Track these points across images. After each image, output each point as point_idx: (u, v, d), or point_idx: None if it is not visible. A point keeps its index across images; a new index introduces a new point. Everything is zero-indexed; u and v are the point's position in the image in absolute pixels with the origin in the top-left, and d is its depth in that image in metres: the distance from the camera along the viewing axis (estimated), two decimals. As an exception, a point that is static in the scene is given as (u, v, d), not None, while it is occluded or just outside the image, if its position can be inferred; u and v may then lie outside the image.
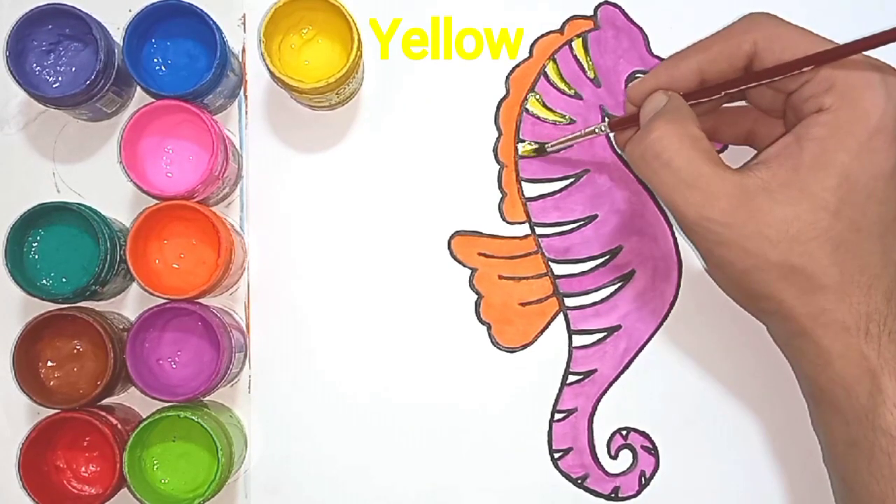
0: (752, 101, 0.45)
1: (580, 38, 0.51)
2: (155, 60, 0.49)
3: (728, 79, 0.42)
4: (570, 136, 0.48)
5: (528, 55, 0.51)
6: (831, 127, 0.39)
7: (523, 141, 0.49)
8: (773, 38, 0.41)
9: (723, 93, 0.42)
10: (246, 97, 0.51)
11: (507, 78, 0.51)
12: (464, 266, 0.51)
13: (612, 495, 0.50)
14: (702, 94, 0.42)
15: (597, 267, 0.50)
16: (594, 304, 0.50)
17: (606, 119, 0.45)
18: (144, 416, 0.47)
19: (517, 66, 0.51)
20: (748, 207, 0.39)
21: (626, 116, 0.45)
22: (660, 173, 0.40)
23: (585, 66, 0.51)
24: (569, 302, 0.50)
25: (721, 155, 0.42)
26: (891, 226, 0.39)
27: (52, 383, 0.47)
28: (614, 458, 0.50)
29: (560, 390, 0.50)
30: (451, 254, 0.51)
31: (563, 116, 0.51)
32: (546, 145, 0.49)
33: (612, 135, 0.49)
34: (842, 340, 0.39)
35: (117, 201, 0.50)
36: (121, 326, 0.48)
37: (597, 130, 0.45)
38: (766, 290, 0.39)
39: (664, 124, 0.40)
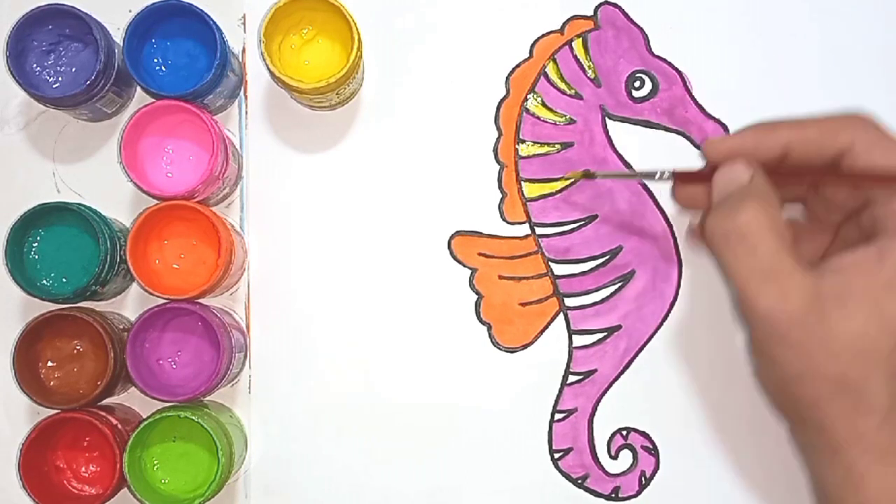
0: (824, 194, 0.43)
1: (580, 38, 0.51)
2: (155, 60, 0.49)
3: (813, 165, 0.41)
4: (625, 173, 0.48)
5: (528, 55, 0.51)
6: None
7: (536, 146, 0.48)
8: (874, 142, 0.40)
9: (809, 181, 0.41)
10: (246, 97, 0.51)
11: (507, 78, 0.51)
12: (464, 266, 0.51)
13: (613, 495, 0.50)
14: (788, 173, 0.41)
15: (597, 267, 0.50)
16: (594, 304, 0.50)
17: (671, 171, 0.43)
18: (144, 416, 0.47)
19: (517, 66, 0.51)
20: (818, 313, 0.38)
21: (696, 172, 0.43)
22: (741, 258, 0.39)
23: (586, 66, 0.51)
24: (569, 302, 0.50)
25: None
26: None
27: (52, 383, 0.47)
28: (614, 458, 0.50)
29: (560, 390, 0.50)
30: (451, 254, 0.51)
31: (564, 116, 0.51)
32: (596, 174, 0.47)
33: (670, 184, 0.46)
34: (878, 468, 0.38)
35: (117, 201, 0.50)
36: (121, 326, 0.48)
37: (657, 176, 0.43)
38: (813, 398, 0.39)
39: (755, 208, 0.39)
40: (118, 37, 0.48)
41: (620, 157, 0.51)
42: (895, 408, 0.38)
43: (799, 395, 0.39)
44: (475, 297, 0.50)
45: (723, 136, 0.42)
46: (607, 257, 0.50)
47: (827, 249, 0.44)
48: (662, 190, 0.50)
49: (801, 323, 0.38)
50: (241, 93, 0.51)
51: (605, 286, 0.50)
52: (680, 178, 0.44)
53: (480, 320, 0.50)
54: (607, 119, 0.51)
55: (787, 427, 0.42)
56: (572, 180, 0.50)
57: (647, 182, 0.47)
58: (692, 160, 0.51)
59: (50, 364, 0.47)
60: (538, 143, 0.51)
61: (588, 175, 0.46)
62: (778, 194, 0.40)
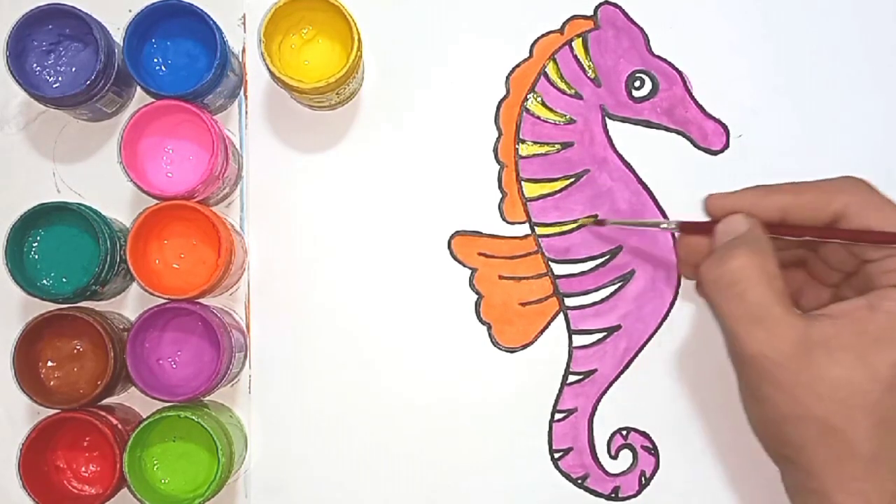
0: (820, 255, 0.45)
1: (580, 38, 0.51)
2: (155, 60, 0.49)
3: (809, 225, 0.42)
4: (634, 221, 0.49)
5: (528, 55, 0.51)
6: None
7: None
8: (867, 205, 0.41)
9: (804, 237, 0.42)
10: (246, 97, 0.51)
11: (507, 78, 0.51)
12: (464, 266, 0.51)
13: (613, 495, 0.50)
14: (784, 230, 0.42)
15: (597, 267, 0.50)
16: (594, 304, 0.50)
17: (676, 222, 0.45)
18: (144, 416, 0.47)
19: (517, 66, 0.51)
20: (807, 358, 0.39)
21: (699, 223, 0.45)
22: (731, 302, 0.40)
23: (586, 65, 0.51)
24: (569, 302, 0.50)
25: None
26: None
27: (52, 383, 0.47)
28: (614, 458, 0.50)
29: (560, 390, 0.50)
30: (451, 254, 0.51)
31: (564, 116, 0.51)
32: (606, 221, 0.49)
33: (676, 234, 0.48)
34: None
35: (117, 201, 0.50)
36: (121, 326, 0.48)
37: (663, 226, 0.45)
38: (800, 440, 0.39)
39: (747, 255, 0.41)
40: (118, 37, 0.48)
41: (620, 156, 0.51)
42: (880, 454, 0.38)
43: (786, 438, 0.40)
44: (475, 297, 0.50)
45: (724, 193, 0.44)
46: (607, 257, 0.50)
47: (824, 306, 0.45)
48: (662, 190, 0.51)
49: (789, 366, 0.39)
50: (241, 93, 0.51)
51: (604, 286, 0.50)
52: (684, 229, 0.45)
53: (480, 320, 0.50)
54: (607, 119, 0.51)
55: (781, 474, 0.43)
56: (573, 181, 0.50)
57: (653, 228, 0.49)
58: (692, 160, 0.51)
59: (50, 364, 0.47)
60: (538, 142, 0.51)
61: (599, 223, 0.49)
62: (774, 247, 0.41)
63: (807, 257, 0.46)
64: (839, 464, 0.39)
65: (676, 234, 0.47)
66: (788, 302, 0.40)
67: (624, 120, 0.51)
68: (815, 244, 0.45)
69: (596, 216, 0.50)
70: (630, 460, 0.50)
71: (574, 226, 0.50)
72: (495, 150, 0.51)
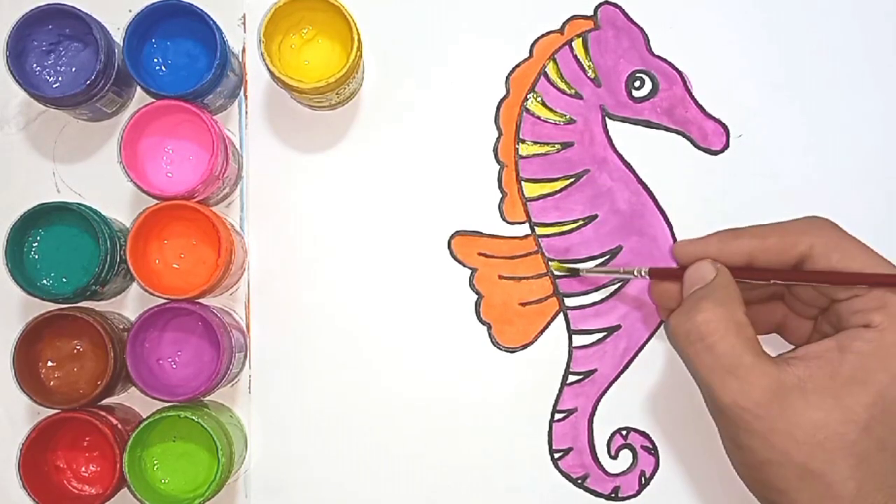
0: (793, 294, 0.45)
1: (580, 38, 0.51)
2: (155, 60, 0.49)
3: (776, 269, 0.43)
4: (607, 269, 0.50)
5: (528, 55, 0.51)
6: (876, 345, 0.39)
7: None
8: (831, 246, 0.41)
9: (770, 281, 0.43)
10: (246, 97, 0.51)
11: (507, 78, 0.51)
12: (464, 266, 0.51)
13: (612, 495, 0.50)
14: (750, 275, 0.43)
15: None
16: (594, 304, 0.50)
17: (647, 269, 0.46)
18: (144, 416, 0.47)
19: (517, 65, 0.51)
20: (781, 403, 0.39)
21: (668, 269, 0.45)
22: (701, 355, 0.41)
23: (585, 65, 0.51)
24: (569, 302, 0.50)
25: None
26: None
27: (52, 383, 0.47)
28: (614, 458, 0.50)
29: (560, 390, 0.50)
30: (451, 254, 0.51)
31: (564, 116, 0.51)
32: (581, 270, 0.49)
33: (648, 280, 0.48)
34: None
35: (117, 201, 0.50)
36: (121, 326, 0.48)
37: (635, 273, 0.46)
38: (782, 485, 0.40)
39: (713, 307, 0.41)
40: (118, 37, 0.48)
41: (620, 156, 0.51)
42: (861, 494, 0.39)
43: (769, 483, 0.40)
44: (475, 297, 0.50)
45: (690, 240, 0.45)
46: (607, 257, 0.50)
47: (807, 340, 0.46)
48: (662, 190, 0.51)
49: (764, 414, 0.39)
50: (241, 93, 0.51)
51: (604, 286, 0.50)
52: (654, 275, 0.46)
53: (480, 320, 0.50)
54: (607, 119, 0.51)
55: None
56: (573, 181, 0.50)
57: (626, 277, 0.49)
58: (692, 160, 0.51)
59: (50, 364, 0.47)
60: (538, 142, 0.51)
61: (573, 272, 0.49)
62: (739, 294, 0.42)
63: (783, 292, 0.46)
64: None
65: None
66: (759, 349, 0.40)
67: (624, 120, 0.51)
68: (786, 287, 0.45)
69: (569, 268, 0.50)
70: (630, 460, 0.50)
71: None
72: (495, 150, 0.51)
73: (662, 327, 0.50)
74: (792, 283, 0.43)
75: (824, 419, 0.39)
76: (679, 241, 0.45)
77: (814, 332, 0.45)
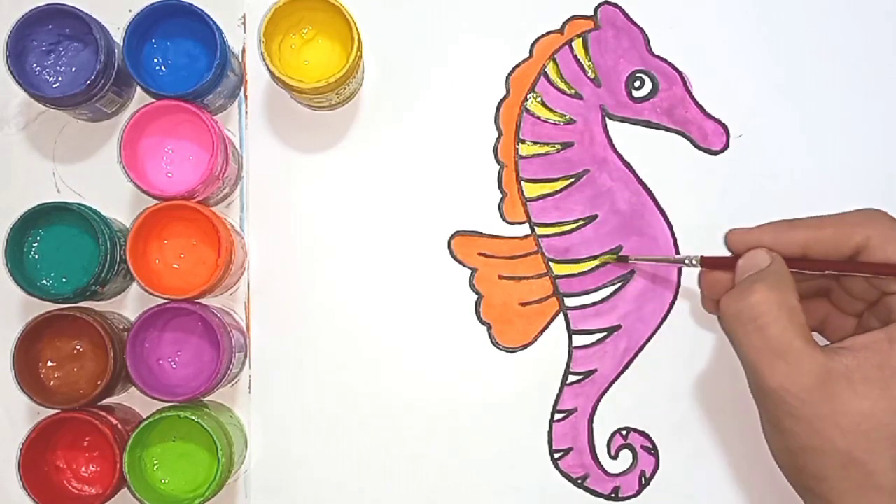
0: (843, 287, 0.45)
1: (580, 38, 0.51)
2: (155, 60, 0.49)
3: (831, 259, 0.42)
4: (658, 258, 0.50)
5: (528, 55, 0.51)
6: None
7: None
8: (888, 238, 0.41)
9: (826, 271, 0.42)
10: (246, 97, 0.51)
11: (507, 78, 0.51)
12: (464, 266, 0.51)
13: (612, 495, 0.50)
14: (805, 265, 0.43)
15: (597, 267, 0.50)
16: (594, 304, 0.50)
17: (699, 257, 0.45)
18: (144, 416, 0.47)
19: (517, 65, 0.51)
20: (828, 390, 0.39)
21: (721, 258, 0.45)
22: (752, 336, 0.40)
23: (585, 65, 0.51)
24: (569, 302, 0.50)
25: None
26: None
27: (52, 383, 0.47)
28: (614, 458, 0.50)
29: (560, 390, 0.50)
30: (451, 254, 0.51)
31: (564, 116, 0.51)
32: (630, 258, 0.50)
33: (699, 270, 0.47)
34: None
35: (117, 201, 0.50)
36: (121, 326, 0.48)
37: (686, 262, 0.46)
38: (823, 472, 0.40)
39: (767, 289, 0.41)
40: (118, 37, 0.48)
41: (620, 156, 0.51)
42: None
43: (808, 469, 0.40)
44: (475, 297, 0.50)
45: (745, 228, 0.44)
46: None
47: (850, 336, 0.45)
48: (662, 190, 0.51)
49: (810, 400, 0.39)
50: (241, 93, 0.51)
51: (604, 286, 0.50)
52: (707, 264, 0.45)
53: (480, 320, 0.50)
54: (607, 119, 0.51)
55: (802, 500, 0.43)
56: (573, 181, 0.50)
57: (677, 264, 0.50)
58: (692, 160, 0.51)
59: (50, 364, 0.47)
60: (538, 142, 0.51)
61: (622, 259, 0.50)
62: (793, 281, 0.41)
63: (830, 288, 0.46)
64: (861, 496, 0.39)
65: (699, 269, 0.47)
66: (809, 336, 0.40)
67: (624, 120, 0.51)
68: (838, 279, 0.45)
69: (617, 251, 0.50)
70: (630, 460, 0.50)
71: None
72: (495, 150, 0.51)
73: (664, 327, 0.50)
74: (847, 274, 0.43)
75: (870, 409, 0.39)
76: (732, 229, 0.44)
77: (857, 329, 0.45)
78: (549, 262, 0.50)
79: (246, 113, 0.51)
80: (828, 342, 0.46)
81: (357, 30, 0.46)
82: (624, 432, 0.50)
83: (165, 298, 0.46)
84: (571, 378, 0.50)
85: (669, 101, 0.51)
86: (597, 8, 0.51)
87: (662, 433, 0.50)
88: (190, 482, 0.47)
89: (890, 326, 0.41)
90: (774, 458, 0.43)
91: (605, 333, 0.50)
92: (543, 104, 0.51)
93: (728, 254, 0.44)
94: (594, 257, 0.50)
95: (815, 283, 0.46)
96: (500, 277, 0.50)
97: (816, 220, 0.43)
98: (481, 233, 0.51)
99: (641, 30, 0.51)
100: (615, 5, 0.51)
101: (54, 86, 0.48)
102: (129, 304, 0.50)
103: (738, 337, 0.41)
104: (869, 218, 0.42)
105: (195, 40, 0.48)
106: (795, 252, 0.43)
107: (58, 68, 0.48)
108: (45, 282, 0.47)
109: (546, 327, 0.50)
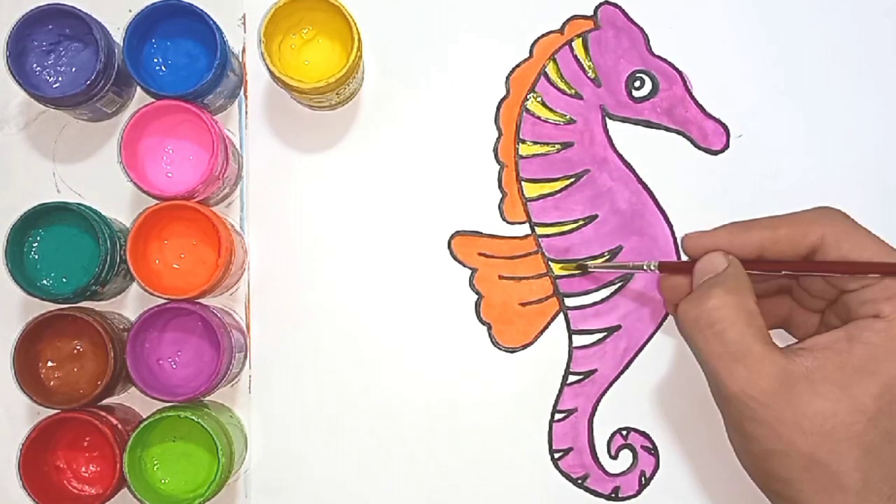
0: (802, 286, 0.45)
1: (580, 38, 0.51)
2: (155, 60, 0.49)
3: (787, 259, 0.42)
4: (616, 265, 0.50)
5: (528, 55, 0.51)
6: (885, 336, 0.39)
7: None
8: (842, 236, 0.41)
9: (782, 272, 0.42)
10: (246, 97, 0.51)
11: (507, 78, 0.51)
12: (464, 266, 0.51)
13: (612, 495, 0.50)
14: (761, 266, 0.43)
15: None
16: (594, 304, 0.50)
17: (656, 263, 0.45)
18: (144, 416, 0.47)
19: (517, 65, 0.51)
20: (789, 393, 0.39)
21: (678, 263, 0.45)
22: (710, 342, 0.40)
23: (586, 65, 0.51)
24: (569, 302, 0.50)
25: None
26: None
27: (52, 383, 0.47)
28: (614, 458, 0.50)
29: (560, 390, 0.50)
30: (451, 254, 0.51)
31: (564, 116, 0.51)
32: (589, 267, 0.49)
33: (658, 274, 0.48)
34: None
35: (117, 201, 0.50)
36: (121, 326, 0.48)
37: (644, 267, 0.46)
38: (787, 475, 0.39)
39: (724, 294, 0.41)
40: (118, 37, 0.48)
41: (620, 156, 0.51)
42: (868, 486, 0.38)
43: (773, 473, 0.40)
44: (475, 297, 0.50)
45: (700, 232, 0.44)
46: (607, 257, 0.50)
47: (814, 334, 0.45)
48: (662, 190, 0.51)
49: (771, 403, 0.39)
50: (241, 93, 0.51)
51: (605, 286, 0.50)
52: (665, 269, 0.45)
53: (480, 320, 0.50)
54: (607, 119, 0.51)
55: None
56: (573, 181, 0.50)
57: (636, 271, 0.49)
58: (692, 160, 0.51)
59: (50, 364, 0.47)
60: (538, 142, 0.51)
61: (582, 268, 0.49)
62: (750, 284, 0.42)
63: (791, 286, 0.46)
64: (827, 497, 0.39)
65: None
66: (768, 338, 0.40)
67: (624, 120, 0.51)
68: (796, 278, 0.45)
69: (577, 265, 0.50)
70: (630, 460, 0.50)
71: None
72: (495, 150, 0.51)
73: (664, 327, 0.50)
74: (803, 274, 0.43)
75: (832, 409, 0.38)
76: (688, 233, 0.44)
77: (820, 325, 0.45)
78: (549, 262, 0.50)
79: (246, 113, 0.51)
80: (794, 338, 0.46)
81: (357, 30, 0.46)
82: (624, 432, 0.50)
83: (165, 298, 0.46)
84: (571, 378, 0.50)
85: (669, 100, 0.51)
86: (597, 8, 0.51)
87: (662, 433, 0.50)
88: (190, 482, 0.47)
89: (849, 325, 0.40)
90: (741, 462, 0.42)
91: (605, 333, 0.50)
92: (543, 104, 0.51)
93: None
94: (593, 258, 0.50)
95: (777, 282, 0.46)
96: (500, 277, 0.50)
97: (771, 221, 0.43)
98: (481, 233, 0.51)
99: (641, 30, 0.51)
100: (615, 5, 0.51)
101: (54, 86, 0.48)
102: (129, 304, 0.50)
103: (696, 343, 0.41)
104: (823, 216, 0.42)
105: (195, 40, 0.48)
106: (752, 254, 0.43)
107: (58, 68, 0.48)
108: (45, 282, 0.47)
109: (546, 327, 0.50)
